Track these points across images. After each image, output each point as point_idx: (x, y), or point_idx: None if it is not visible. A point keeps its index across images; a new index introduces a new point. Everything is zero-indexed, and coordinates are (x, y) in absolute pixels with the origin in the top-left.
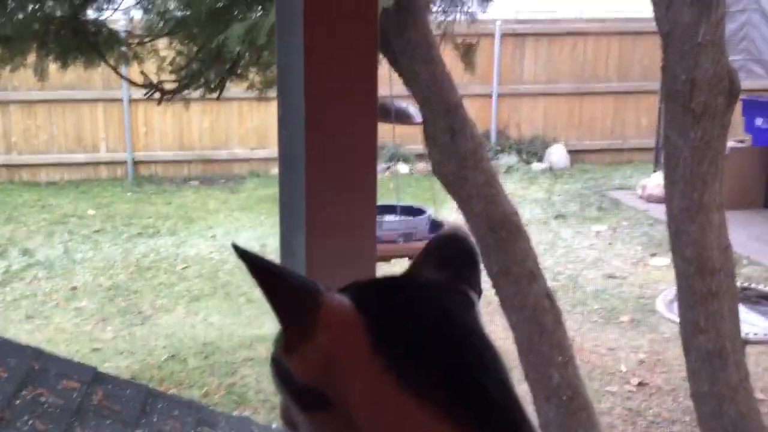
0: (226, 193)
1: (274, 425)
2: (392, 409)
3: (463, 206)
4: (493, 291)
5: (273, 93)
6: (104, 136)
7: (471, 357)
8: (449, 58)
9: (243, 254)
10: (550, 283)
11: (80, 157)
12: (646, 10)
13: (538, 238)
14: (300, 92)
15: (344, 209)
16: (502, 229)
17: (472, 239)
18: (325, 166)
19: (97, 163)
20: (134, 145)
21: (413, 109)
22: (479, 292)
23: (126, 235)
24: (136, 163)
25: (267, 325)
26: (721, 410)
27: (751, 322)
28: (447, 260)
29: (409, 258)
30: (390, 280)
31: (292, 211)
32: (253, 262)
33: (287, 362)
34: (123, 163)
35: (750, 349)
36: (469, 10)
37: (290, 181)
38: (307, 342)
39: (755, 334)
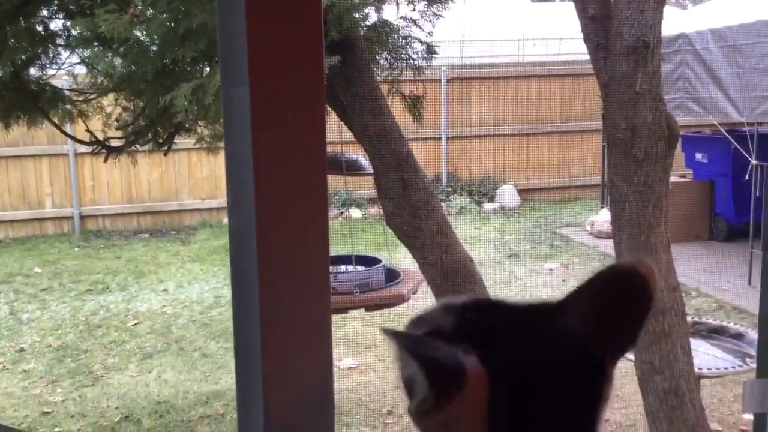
0: (177, 245)
1: None
2: None
3: (417, 255)
4: None
5: (222, 144)
6: (50, 191)
7: None
8: (397, 106)
9: (393, 335)
10: None
11: (25, 214)
12: (585, 52)
13: (492, 277)
14: (248, 143)
15: (297, 264)
16: (457, 276)
17: (654, 281)
18: (276, 219)
19: (43, 219)
20: (81, 199)
21: (364, 160)
22: (631, 346)
23: (74, 292)
24: (83, 217)
25: (224, 379)
26: None
27: (704, 354)
28: (606, 311)
29: (366, 309)
30: (529, 360)
31: (243, 263)
32: (401, 343)
33: (413, 419)
34: (69, 218)
35: (705, 382)
36: (415, 63)
37: (241, 235)
38: (435, 413)
39: (708, 368)
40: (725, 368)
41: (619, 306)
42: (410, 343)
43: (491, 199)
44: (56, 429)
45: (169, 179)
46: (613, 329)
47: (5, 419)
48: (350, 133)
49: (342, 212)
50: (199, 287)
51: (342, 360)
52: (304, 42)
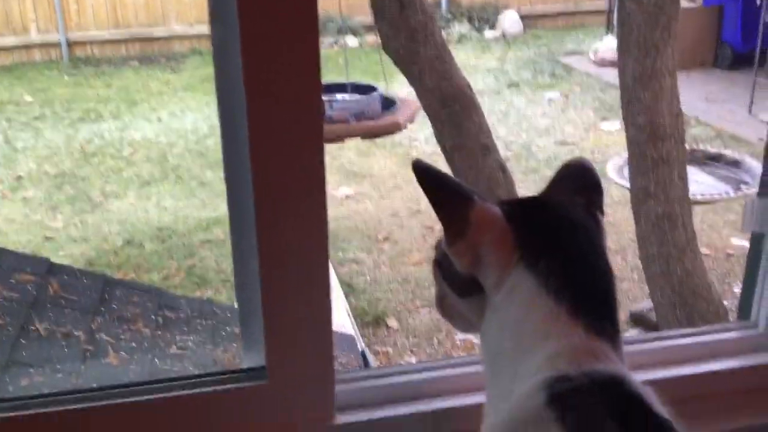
0: (167, 73)
1: (235, 305)
2: (527, 297)
3: (414, 82)
4: (446, 166)
5: None
6: (34, 16)
7: (599, 277)
8: None
9: (415, 165)
10: (503, 153)
11: (10, 41)
12: None
13: (491, 107)
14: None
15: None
16: (455, 104)
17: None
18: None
19: (29, 46)
20: (67, 25)
21: None
22: (603, 215)
23: (67, 120)
24: (71, 44)
25: (222, 207)
26: (668, 269)
27: (698, 181)
28: (580, 187)
29: (362, 137)
30: (534, 198)
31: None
32: (420, 171)
33: (450, 255)
34: (56, 44)
35: (697, 208)
36: None
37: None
38: (463, 237)
39: (702, 194)
40: (719, 194)
41: (578, 182)
42: (428, 173)
43: (492, 26)
44: (60, 252)
45: (155, 3)
46: (584, 197)
47: (9, 244)
48: None
49: (337, 41)
50: (192, 116)
51: (338, 189)
52: None
